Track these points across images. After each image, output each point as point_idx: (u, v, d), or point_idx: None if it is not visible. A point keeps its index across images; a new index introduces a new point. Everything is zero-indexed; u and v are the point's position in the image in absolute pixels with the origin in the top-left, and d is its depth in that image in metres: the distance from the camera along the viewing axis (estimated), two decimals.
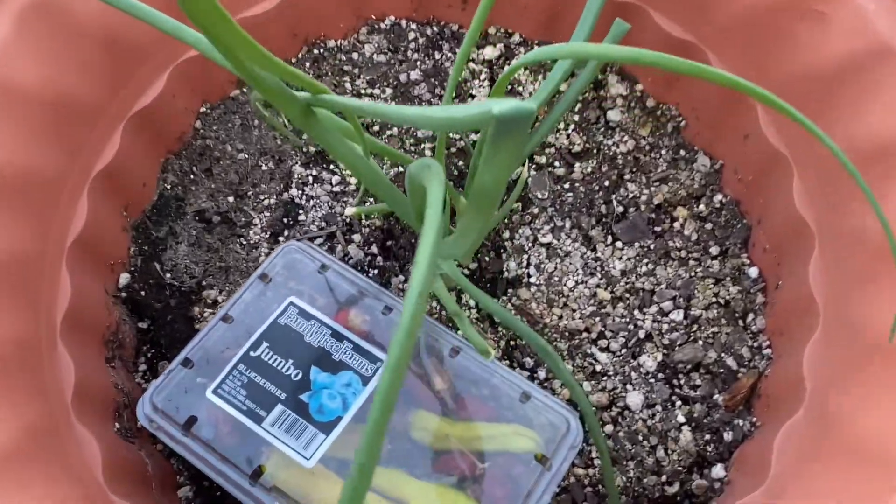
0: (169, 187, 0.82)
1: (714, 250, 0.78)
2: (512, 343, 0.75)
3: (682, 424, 0.71)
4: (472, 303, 0.77)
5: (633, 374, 0.73)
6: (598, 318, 0.76)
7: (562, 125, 0.84)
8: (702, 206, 0.80)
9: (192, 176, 0.83)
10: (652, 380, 0.73)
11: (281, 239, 0.80)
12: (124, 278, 0.78)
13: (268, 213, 0.81)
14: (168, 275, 0.79)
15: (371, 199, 0.81)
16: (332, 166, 0.83)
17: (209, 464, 0.63)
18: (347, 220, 0.80)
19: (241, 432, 0.64)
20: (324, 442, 0.63)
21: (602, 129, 0.84)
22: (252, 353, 0.67)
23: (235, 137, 0.84)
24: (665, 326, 0.75)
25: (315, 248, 0.73)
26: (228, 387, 0.66)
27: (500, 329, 0.76)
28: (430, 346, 0.68)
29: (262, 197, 0.82)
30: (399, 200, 0.62)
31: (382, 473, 0.63)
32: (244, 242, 0.80)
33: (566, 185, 0.82)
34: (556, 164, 0.83)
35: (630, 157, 0.82)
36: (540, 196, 0.81)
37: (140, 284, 0.78)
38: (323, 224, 0.81)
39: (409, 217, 0.65)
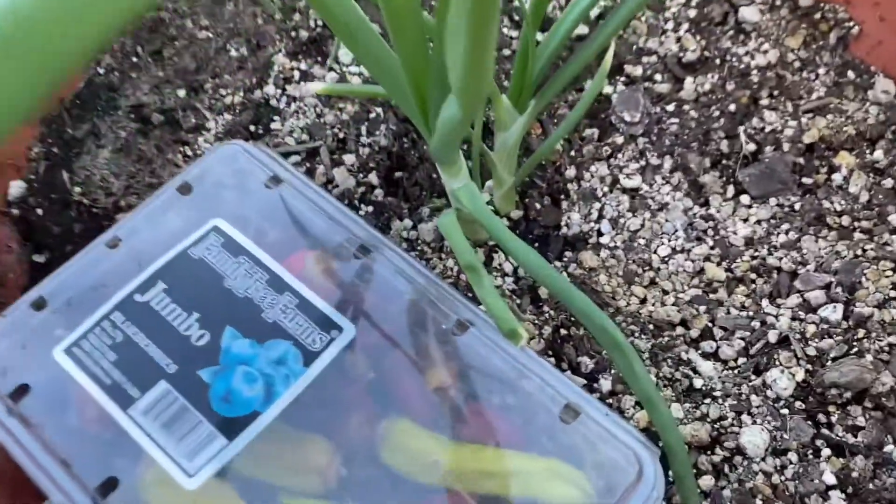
0: (102, 72, 0.58)
1: (894, 219, 0.49)
2: (562, 332, 0.48)
3: (829, 488, 0.43)
4: (507, 267, 0.51)
5: (753, 398, 0.45)
6: (703, 308, 0.48)
7: (670, 23, 0.57)
8: (878, 153, 0.51)
9: (134, 59, 0.59)
10: (785, 410, 0.45)
11: None
12: (17, 188, 0.55)
13: (229, 116, 0.56)
14: (77, 189, 0.55)
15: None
16: (328, 60, 0.58)
17: (35, 461, 0.38)
18: (333, 128, 0.54)
19: (94, 419, 0.39)
20: (223, 450, 0.38)
21: (730, 33, 0.56)
22: (137, 298, 0.42)
23: (201, 11, 0.60)
24: (812, 329, 0.46)
25: (270, 154, 0.47)
26: (89, 345, 0.41)
27: (545, 310, 0.49)
28: (434, 319, 0.42)
29: (224, 93, 0.57)
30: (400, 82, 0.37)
31: None
32: (189, 153, 0.55)
33: (670, 108, 0.55)
34: (658, 77, 0.56)
35: (771, 73, 0.54)
36: (628, 119, 0.54)
37: (38, 199, 0.55)
38: (304, 137, 0.56)
39: (409, 106, 0.39)
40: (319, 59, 0.58)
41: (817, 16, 0.56)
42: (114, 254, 0.44)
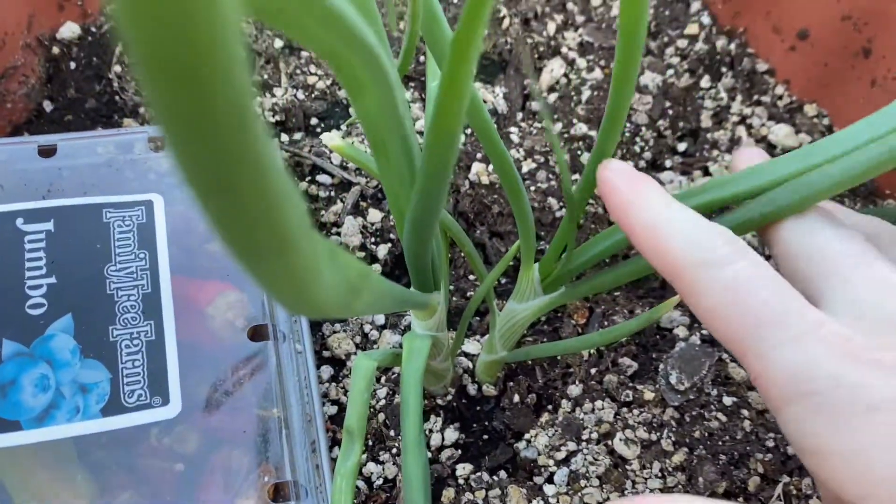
0: None
1: None
2: None
3: None
4: (434, 441, 0.41)
5: None
6: None
7: None
8: None
9: None
10: None
11: None
12: (69, 30, 0.50)
13: (302, 94, 0.49)
14: (117, 68, 0.49)
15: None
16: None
17: None
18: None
19: None
20: None
21: None
22: (19, 223, 0.35)
23: None
24: None
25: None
26: None
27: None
28: (271, 462, 0.34)
29: (312, 70, 0.50)
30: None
31: None
32: None
33: (728, 401, 0.43)
34: None
35: None
36: (673, 381, 0.43)
37: (81, 52, 0.49)
38: (352, 166, 0.48)
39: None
40: None
41: None
42: (44, 161, 0.37)
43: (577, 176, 0.50)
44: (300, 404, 0.34)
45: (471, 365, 0.45)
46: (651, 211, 0.27)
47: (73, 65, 0.49)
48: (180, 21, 0.09)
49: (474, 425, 0.43)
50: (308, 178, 0.47)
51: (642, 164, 0.53)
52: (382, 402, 0.42)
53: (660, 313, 0.36)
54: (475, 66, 0.19)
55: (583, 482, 0.40)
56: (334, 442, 0.39)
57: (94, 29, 0.50)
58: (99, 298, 0.34)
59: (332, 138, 0.35)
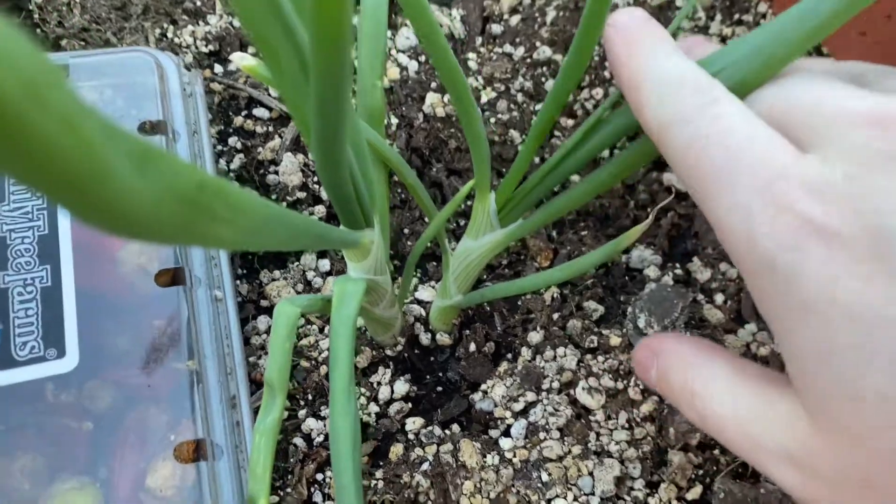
0: None
1: None
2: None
3: None
4: (383, 393, 0.38)
5: None
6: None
7: None
8: None
9: None
10: None
11: None
12: None
13: (234, 23, 0.45)
14: (37, 0, 0.45)
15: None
16: None
17: None
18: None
19: None
20: None
21: None
22: None
23: None
24: None
25: (209, 79, 0.36)
26: None
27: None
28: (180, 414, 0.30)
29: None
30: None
31: None
32: (169, 35, 0.44)
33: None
34: (718, 296, 0.41)
35: None
36: (642, 325, 0.40)
37: None
38: None
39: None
40: None
41: None
42: None
43: (539, 106, 0.46)
44: (218, 356, 0.31)
45: (424, 313, 0.41)
46: (637, 62, 0.25)
47: None
48: None
49: (427, 377, 0.40)
50: (244, 113, 0.43)
51: (613, 89, 0.48)
52: (325, 353, 0.39)
53: (626, 241, 0.32)
54: None
55: (542, 434, 0.37)
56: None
57: None
58: None
59: (242, 58, 0.31)
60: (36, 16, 0.46)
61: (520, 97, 0.46)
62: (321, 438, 0.37)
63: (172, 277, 0.31)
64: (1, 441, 0.29)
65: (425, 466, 0.36)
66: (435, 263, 0.43)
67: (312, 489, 0.36)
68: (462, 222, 0.45)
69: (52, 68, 0.10)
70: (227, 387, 0.31)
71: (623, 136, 0.30)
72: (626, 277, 0.43)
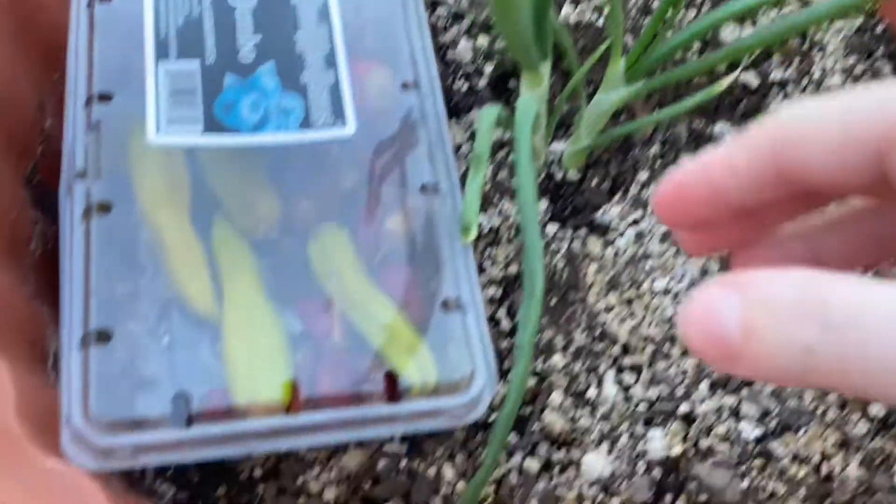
0: None
1: None
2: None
3: None
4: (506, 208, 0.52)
5: (624, 437, 0.45)
6: (650, 349, 0.48)
7: None
8: None
9: None
10: (641, 465, 0.45)
11: None
12: None
13: None
14: None
15: None
16: None
17: (76, 51, 0.44)
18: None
19: (133, 51, 0.45)
20: (195, 134, 0.43)
21: None
22: (229, 2, 0.47)
23: None
24: (721, 429, 0.46)
25: None
26: (173, 1, 0.46)
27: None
28: (423, 171, 0.45)
29: None
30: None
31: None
32: None
33: None
34: None
35: None
36: None
37: None
38: None
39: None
40: None
41: None
42: None
43: None
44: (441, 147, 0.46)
45: (558, 158, 0.56)
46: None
47: None
48: None
49: (559, 201, 0.54)
50: (429, 10, 0.58)
51: None
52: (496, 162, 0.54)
53: (718, 88, 0.46)
54: None
55: (647, 238, 0.51)
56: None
57: None
58: (292, 54, 0.46)
59: None
60: None
61: None
62: (485, 231, 0.51)
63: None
64: (291, 188, 0.43)
65: (560, 253, 0.51)
66: (564, 129, 0.58)
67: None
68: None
69: None
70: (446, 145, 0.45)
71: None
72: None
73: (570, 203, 0.54)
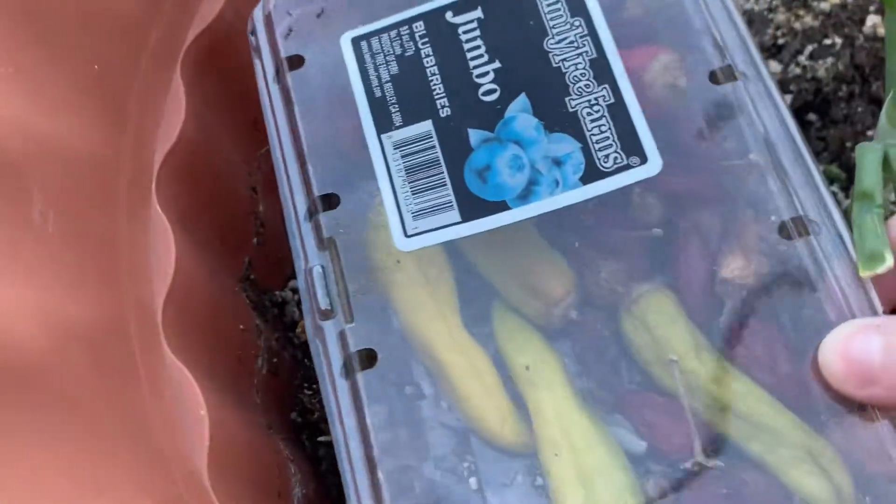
0: None
1: None
2: None
3: None
4: None
5: None
6: None
7: None
8: None
9: None
10: None
11: None
12: None
13: None
14: None
15: None
16: None
17: (279, 140, 0.35)
18: (779, 29, 0.46)
19: (346, 128, 0.35)
20: (453, 226, 0.32)
21: None
22: (448, 16, 0.35)
23: None
24: None
25: None
26: (378, 46, 0.36)
27: None
28: (766, 201, 0.31)
29: None
30: None
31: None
32: None
33: None
34: None
35: None
36: None
37: None
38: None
39: None
40: None
41: None
42: None
43: None
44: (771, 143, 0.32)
45: None
46: None
47: None
48: None
49: None
50: None
51: None
52: None
53: None
54: None
55: None
56: None
57: None
58: (546, 73, 0.33)
59: None
60: None
61: None
62: None
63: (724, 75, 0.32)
64: (583, 253, 0.32)
65: None
66: None
67: None
68: None
69: None
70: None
71: None
72: None
73: None
